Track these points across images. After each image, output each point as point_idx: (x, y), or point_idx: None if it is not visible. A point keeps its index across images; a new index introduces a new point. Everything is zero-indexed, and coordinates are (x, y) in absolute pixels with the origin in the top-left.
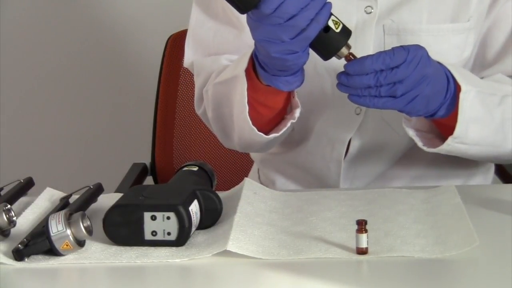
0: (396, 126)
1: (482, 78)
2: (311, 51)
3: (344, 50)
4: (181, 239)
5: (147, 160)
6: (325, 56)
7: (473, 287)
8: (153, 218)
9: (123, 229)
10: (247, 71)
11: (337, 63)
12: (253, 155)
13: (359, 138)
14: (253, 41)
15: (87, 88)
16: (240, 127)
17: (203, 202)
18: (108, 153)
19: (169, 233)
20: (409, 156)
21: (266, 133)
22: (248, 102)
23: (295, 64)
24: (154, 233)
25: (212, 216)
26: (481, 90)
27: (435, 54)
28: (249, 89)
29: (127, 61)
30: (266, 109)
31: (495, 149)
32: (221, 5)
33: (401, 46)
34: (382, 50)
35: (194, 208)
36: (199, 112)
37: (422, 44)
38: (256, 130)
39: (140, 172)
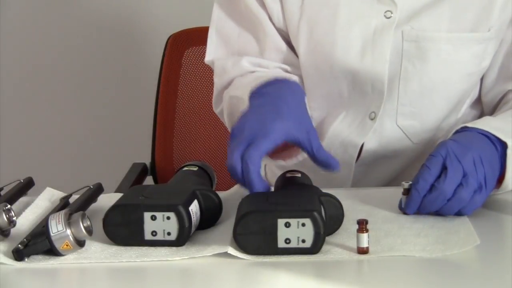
0: (410, 133)
1: (508, 91)
2: None
3: None
4: (181, 239)
5: (147, 160)
6: None
7: (473, 287)
8: (153, 218)
9: (123, 229)
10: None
11: (354, 66)
12: None
13: (372, 143)
14: (277, 41)
15: (87, 88)
16: None
17: (203, 202)
18: (108, 153)
19: (169, 233)
20: (419, 165)
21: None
22: None
23: None
24: (154, 233)
25: (212, 216)
26: None
27: (454, 63)
28: None
29: (127, 61)
30: None
31: None
32: (243, 3)
33: (431, 155)
34: (399, 56)
35: (194, 208)
36: (216, 111)
37: (441, 53)
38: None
39: (140, 172)
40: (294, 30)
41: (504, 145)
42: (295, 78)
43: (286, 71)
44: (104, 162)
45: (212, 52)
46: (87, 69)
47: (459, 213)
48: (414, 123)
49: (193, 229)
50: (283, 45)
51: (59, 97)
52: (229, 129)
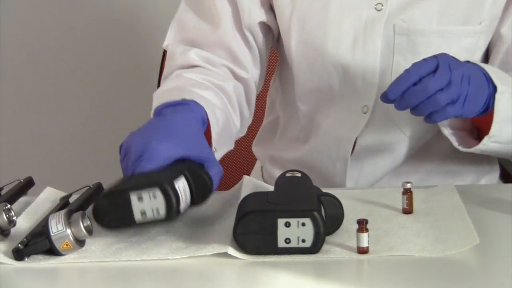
0: (402, 126)
1: None
2: None
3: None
4: (171, 215)
5: None
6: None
7: (473, 286)
8: (140, 199)
9: (113, 214)
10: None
11: (346, 59)
12: (258, 155)
13: (366, 136)
14: (227, 39)
15: (87, 87)
16: None
17: (192, 180)
18: (108, 153)
19: (157, 211)
20: (415, 158)
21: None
22: None
23: None
24: (143, 213)
25: (203, 193)
26: None
27: None
28: None
29: (127, 61)
30: None
31: None
32: (207, 2)
33: (427, 58)
34: (391, 49)
35: (182, 185)
36: None
37: (432, 46)
38: None
39: None
40: (285, 24)
41: (494, 89)
42: (208, 94)
43: (232, 70)
44: (104, 162)
45: (170, 39)
46: (87, 69)
47: (430, 117)
48: (407, 116)
49: (182, 205)
50: (233, 45)
51: (59, 97)
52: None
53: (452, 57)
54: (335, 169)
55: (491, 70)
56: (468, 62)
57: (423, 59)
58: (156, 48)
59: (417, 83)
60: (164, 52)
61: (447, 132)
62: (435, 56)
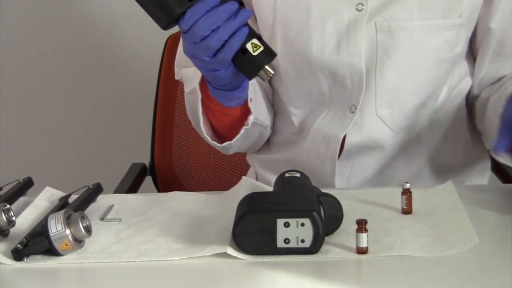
0: (389, 122)
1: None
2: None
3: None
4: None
5: (146, 160)
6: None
7: (472, 287)
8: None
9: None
10: (202, 83)
11: (331, 62)
12: (250, 160)
13: (354, 135)
14: None
15: (86, 88)
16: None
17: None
18: (108, 153)
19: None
20: (405, 154)
21: (232, 138)
22: (210, 111)
23: (222, 80)
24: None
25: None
26: None
27: (426, 50)
28: (207, 99)
29: (126, 61)
30: (225, 117)
31: None
32: None
33: None
34: (374, 47)
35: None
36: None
37: (414, 41)
38: (210, 139)
39: (139, 172)
40: (269, 33)
41: None
42: None
43: None
44: (104, 162)
45: (178, 71)
46: (86, 69)
47: None
48: (392, 112)
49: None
50: None
51: (58, 97)
52: (203, 135)
53: None
54: (324, 168)
55: None
56: None
57: None
58: (156, 48)
59: None
60: (164, 51)
61: (502, 160)
62: None
